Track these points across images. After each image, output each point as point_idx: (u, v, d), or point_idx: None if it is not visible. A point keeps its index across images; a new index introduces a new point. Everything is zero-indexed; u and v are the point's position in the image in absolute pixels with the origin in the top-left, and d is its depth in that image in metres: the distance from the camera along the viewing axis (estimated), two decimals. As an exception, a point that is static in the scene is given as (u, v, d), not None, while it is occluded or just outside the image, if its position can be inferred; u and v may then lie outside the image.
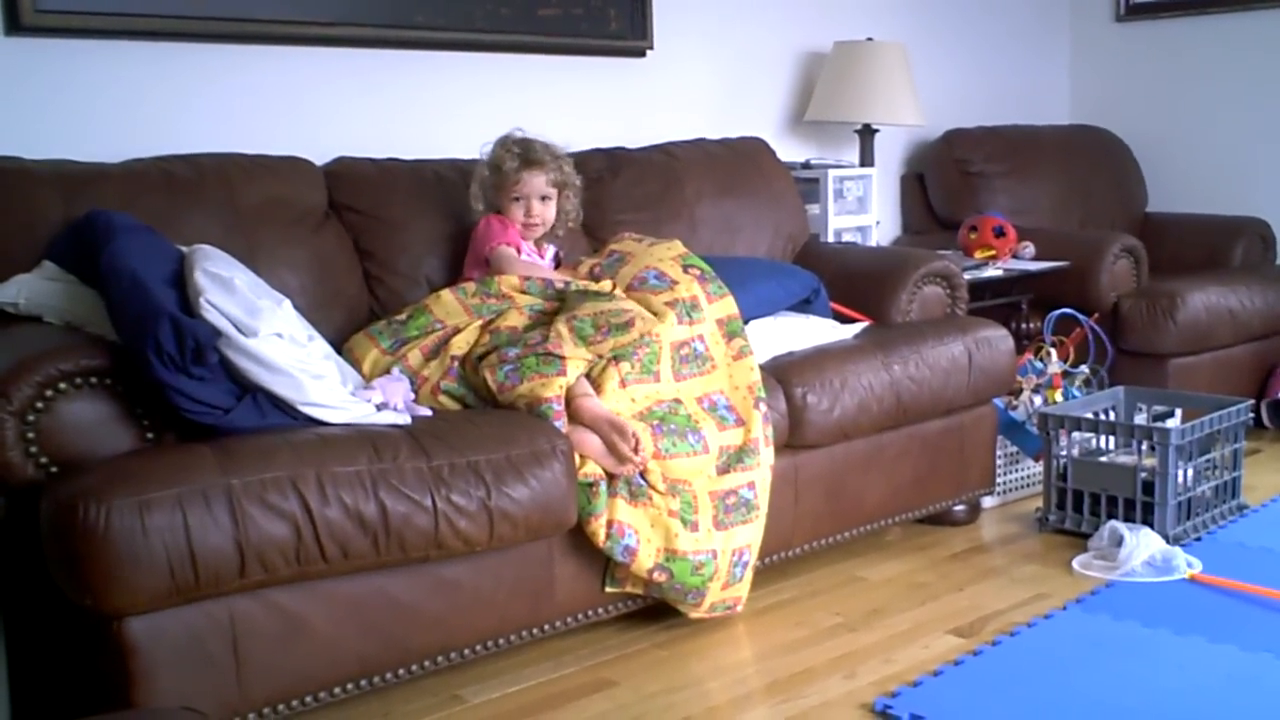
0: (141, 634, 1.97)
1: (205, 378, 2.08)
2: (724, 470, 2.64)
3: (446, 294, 2.75)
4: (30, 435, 2.01)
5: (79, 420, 2.06)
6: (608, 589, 2.56)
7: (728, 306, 2.84)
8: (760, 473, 2.68)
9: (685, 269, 2.86)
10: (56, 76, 2.82)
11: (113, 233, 2.31)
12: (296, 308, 2.38)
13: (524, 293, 2.74)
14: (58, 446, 2.04)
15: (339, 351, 2.62)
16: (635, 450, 2.44)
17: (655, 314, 2.71)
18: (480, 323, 2.66)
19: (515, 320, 2.66)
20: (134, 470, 1.99)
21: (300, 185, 2.90)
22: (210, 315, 2.12)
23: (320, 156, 3.03)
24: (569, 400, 2.48)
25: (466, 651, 2.36)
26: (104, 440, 2.08)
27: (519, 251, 2.89)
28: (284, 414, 2.20)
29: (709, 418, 2.65)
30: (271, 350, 2.15)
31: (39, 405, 2.01)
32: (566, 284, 2.77)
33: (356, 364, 2.63)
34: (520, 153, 2.92)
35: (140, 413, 2.13)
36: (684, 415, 2.61)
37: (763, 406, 2.71)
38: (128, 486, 1.93)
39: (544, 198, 2.94)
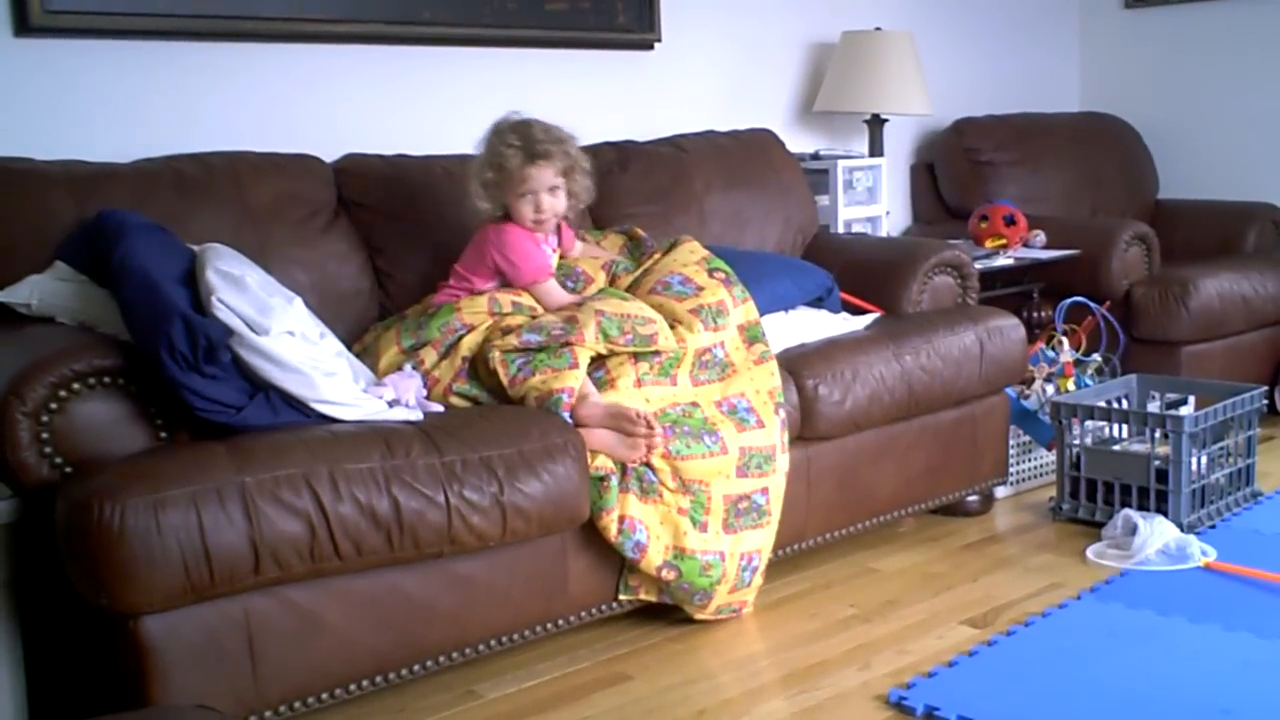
0: (157, 633, 1.98)
1: (218, 376, 2.09)
2: (743, 473, 2.63)
3: (482, 300, 2.69)
4: (44, 435, 2.02)
5: (93, 420, 2.07)
6: (621, 596, 2.56)
7: (750, 311, 2.81)
8: (775, 479, 2.67)
9: (710, 273, 2.82)
10: (65, 77, 2.83)
11: (124, 232, 2.31)
12: (307, 305, 2.39)
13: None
14: (72, 446, 2.04)
15: (351, 348, 2.62)
16: (648, 426, 2.44)
17: (680, 322, 2.68)
18: (492, 321, 2.65)
19: (525, 317, 2.67)
20: (148, 469, 2.00)
21: (310, 182, 2.90)
22: (222, 314, 2.12)
23: (329, 154, 3.03)
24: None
25: (481, 647, 2.37)
26: (118, 440, 2.09)
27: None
28: (296, 411, 2.21)
29: (728, 420, 2.63)
30: (283, 348, 2.16)
31: (53, 405, 2.02)
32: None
33: (376, 358, 2.63)
34: (522, 145, 2.69)
35: (153, 412, 2.14)
36: (699, 418, 2.60)
37: (781, 413, 2.70)
38: (142, 486, 1.94)
39: (552, 189, 2.73)
